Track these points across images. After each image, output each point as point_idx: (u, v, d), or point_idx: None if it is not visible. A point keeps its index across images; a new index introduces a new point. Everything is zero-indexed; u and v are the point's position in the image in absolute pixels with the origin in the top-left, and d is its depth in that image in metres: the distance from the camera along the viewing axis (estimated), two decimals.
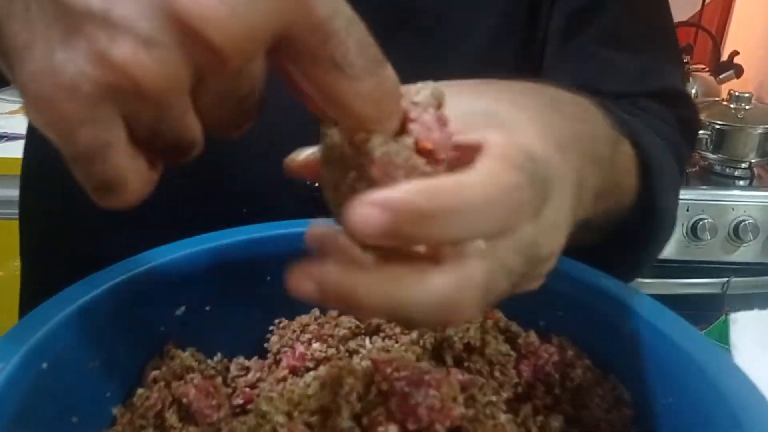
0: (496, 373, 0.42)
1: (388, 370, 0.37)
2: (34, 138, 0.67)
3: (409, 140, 0.25)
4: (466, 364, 0.43)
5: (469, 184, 0.24)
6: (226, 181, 0.56)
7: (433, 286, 0.24)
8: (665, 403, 0.38)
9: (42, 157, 0.64)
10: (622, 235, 0.48)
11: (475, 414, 0.38)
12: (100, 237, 0.52)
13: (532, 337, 0.44)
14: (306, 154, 0.32)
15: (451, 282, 0.24)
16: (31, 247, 0.68)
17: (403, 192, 0.23)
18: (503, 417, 0.39)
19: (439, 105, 0.26)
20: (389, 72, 0.25)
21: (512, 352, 0.43)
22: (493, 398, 0.41)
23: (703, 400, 0.35)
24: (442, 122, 0.26)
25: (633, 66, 0.62)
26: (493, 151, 0.25)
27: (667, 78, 0.64)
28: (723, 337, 1.44)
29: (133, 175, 0.26)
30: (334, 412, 0.37)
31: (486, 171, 0.24)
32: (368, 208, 0.22)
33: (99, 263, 0.41)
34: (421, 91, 0.26)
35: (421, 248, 0.25)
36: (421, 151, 0.25)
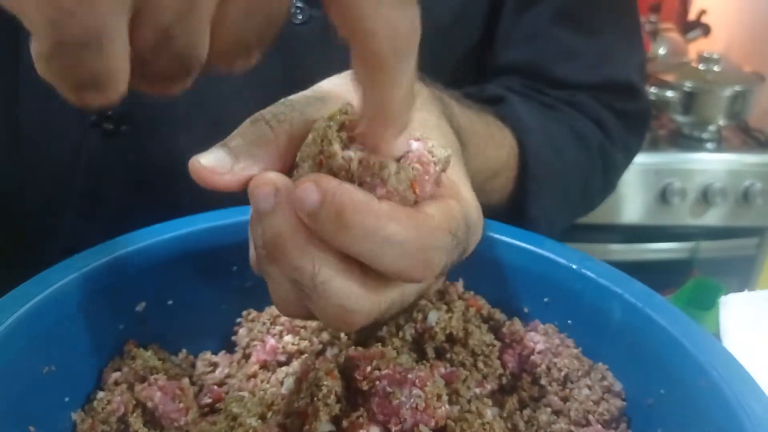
0: (480, 365, 0.40)
1: (368, 368, 0.35)
2: None
3: (410, 174, 0.27)
4: (448, 355, 0.40)
5: (398, 220, 0.25)
6: (178, 169, 0.53)
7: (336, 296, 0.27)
8: (658, 395, 0.36)
9: None
10: None
11: (460, 411, 0.36)
12: (50, 231, 0.49)
13: (517, 325, 0.42)
14: (214, 157, 0.29)
15: (363, 301, 0.27)
16: None
17: (344, 195, 0.25)
18: (489, 413, 0.37)
19: (444, 169, 0.29)
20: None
21: (496, 342, 0.41)
22: (477, 391, 0.39)
23: (697, 391, 0.34)
24: (438, 182, 0.28)
25: (589, 51, 0.62)
26: (441, 204, 0.27)
27: (619, 67, 0.63)
28: (693, 302, 1.45)
29: (122, 75, 0.22)
30: (311, 415, 0.34)
31: (422, 219, 0.26)
32: (313, 188, 0.25)
33: (47, 261, 0.38)
34: (437, 147, 0.28)
35: None
36: (412, 187, 0.27)
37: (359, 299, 0.27)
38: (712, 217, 1.46)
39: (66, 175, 0.56)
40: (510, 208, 0.53)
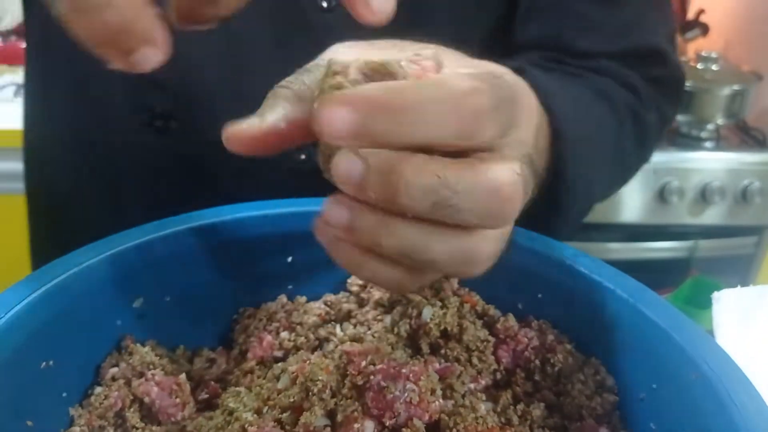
0: (474, 360, 0.41)
1: (363, 363, 0.35)
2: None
3: (412, 68, 0.28)
4: (443, 351, 0.41)
5: (428, 84, 0.26)
6: (205, 154, 0.55)
7: (483, 170, 0.26)
8: (650, 389, 0.36)
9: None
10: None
11: (454, 406, 0.36)
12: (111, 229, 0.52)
13: (511, 321, 0.42)
14: (248, 125, 0.31)
15: (500, 168, 0.27)
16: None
17: (367, 90, 0.24)
18: (483, 407, 0.37)
19: (438, 65, 0.29)
20: None
21: (490, 338, 0.41)
22: (472, 386, 0.40)
23: (688, 385, 0.34)
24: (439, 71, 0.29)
25: (612, 22, 0.61)
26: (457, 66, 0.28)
27: (646, 35, 0.62)
28: (691, 300, 1.45)
29: (145, 27, 0.23)
30: (306, 409, 0.35)
31: (446, 75, 0.27)
32: (335, 107, 0.24)
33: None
34: (424, 50, 0.29)
35: None
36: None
37: (478, 238, 0.28)
38: (711, 216, 1.46)
39: (124, 173, 0.59)
40: (546, 177, 0.52)
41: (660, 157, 1.44)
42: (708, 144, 1.50)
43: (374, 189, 0.26)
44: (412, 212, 0.27)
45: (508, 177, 0.27)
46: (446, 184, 0.26)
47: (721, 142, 1.51)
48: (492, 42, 0.63)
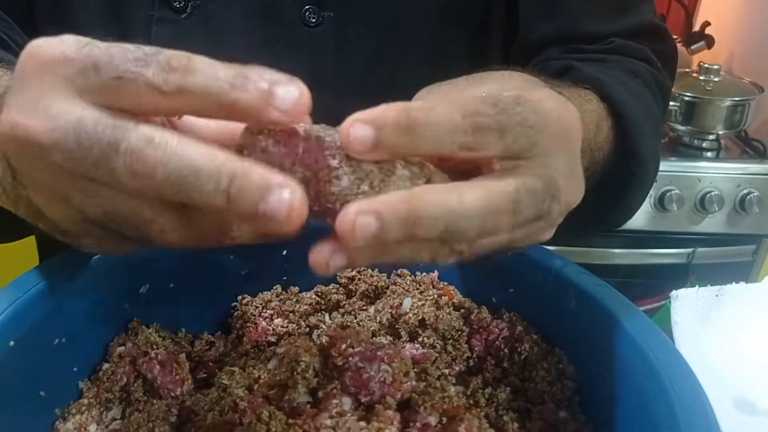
0: (449, 348, 0.44)
1: (343, 346, 0.39)
2: None
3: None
4: (420, 338, 0.45)
5: (435, 107, 0.29)
6: None
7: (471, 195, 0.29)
8: (604, 376, 0.40)
9: None
10: (606, 187, 0.50)
11: (425, 387, 0.39)
12: None
13: (485, 312, 0.46)
14: None
15: (501, 185, 0.30)
16: None
17: (384, 110, 0.28)
18: (453, 389, 0.41)
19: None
20: None
21: (465, 327, 0.45)
22: (445, 371, 0.43)
23: (635, 372, 0.37)
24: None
25: (609, 4, 0.64)
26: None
27: (642, 13, 0.65)
28: None
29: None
30: (291, 387, 0.38)
31: (451, 101, 0.30)
32: (359, 125, 0.28)
33: None
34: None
35: None
36: None
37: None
38: (710, 224, 1.48)
39: None
40: (617, 157, 0.53)
41: (661, 166, 1.46)
42: (709, 154, 1.52)
43: (394, 233, 0.28)
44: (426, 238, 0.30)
45: (504, 195, 0.30)
46: (454, 212, 0.29)
47: (721, 152, 1.54)
48: (477, 49, 0.65)
